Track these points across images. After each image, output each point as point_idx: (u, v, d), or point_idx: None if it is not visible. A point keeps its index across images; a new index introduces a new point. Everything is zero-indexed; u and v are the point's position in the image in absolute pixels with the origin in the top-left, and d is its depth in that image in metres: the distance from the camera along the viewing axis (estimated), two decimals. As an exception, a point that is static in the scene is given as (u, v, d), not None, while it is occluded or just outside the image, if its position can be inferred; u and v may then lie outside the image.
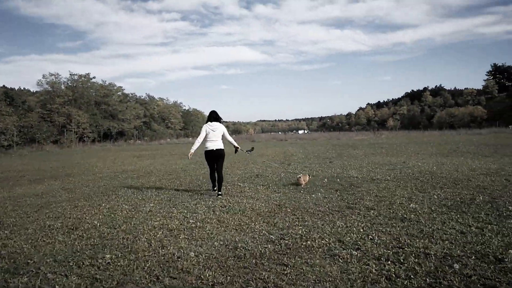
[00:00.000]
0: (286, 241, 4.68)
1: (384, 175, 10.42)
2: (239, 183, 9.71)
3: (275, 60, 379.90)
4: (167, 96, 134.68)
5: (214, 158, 8.07)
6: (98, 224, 5.74)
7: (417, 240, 4.59)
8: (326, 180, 9.86)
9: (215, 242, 4.72)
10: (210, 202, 7.30)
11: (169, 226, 5.55)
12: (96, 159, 22.99)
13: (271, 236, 4.89)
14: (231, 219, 5.92)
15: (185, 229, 5.36)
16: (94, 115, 55.89)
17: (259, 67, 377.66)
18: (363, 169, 12.18)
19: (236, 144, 8.66)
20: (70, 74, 56.32)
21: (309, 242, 4.62)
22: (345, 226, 5.37)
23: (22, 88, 63.51)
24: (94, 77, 59.92)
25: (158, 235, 5.07)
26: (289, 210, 6.45)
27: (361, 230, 5.13)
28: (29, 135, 42.31)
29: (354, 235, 4.91)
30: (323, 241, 4.66)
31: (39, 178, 13.02)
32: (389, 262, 3.94)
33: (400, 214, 5.96)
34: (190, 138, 66.05)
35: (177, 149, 32.80)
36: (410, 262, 3.90)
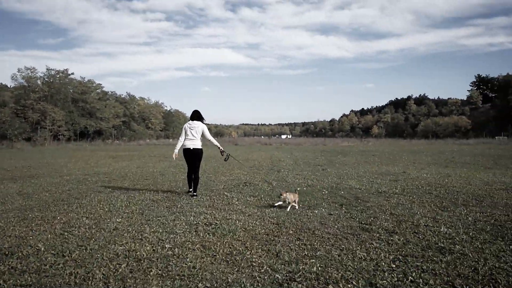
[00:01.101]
0: (299, 284, 3.36)
1: (390, 187, 9.23)
2: (225, 193, 8.36)
3: (259, 63, 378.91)
4: (148, 96, 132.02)
5: (192, 156, 8.02)
6: (42, 249, 4.29)
7: (479, 287, 3.33)
8: (325, 191, 8.60)
9: (199, 284, 3.36)
10: (192, 217, 5.92)
11: (138, 253, 4.15)
12: (68, 159, 21.26)
13: (277, 276, 3.55)
14: (219, 243, 4.56)
15: (159, 259, 3.98)
16: (70, 112, 53.50)
17: (243, 70, 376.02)
18: (363, 179, 10.99)
19: (217, 143, 8.45)
20: (47, 69, 53.75)
21: (331, 287, 3.31)
22: (369, 258, 4.09)
23: (-2, 83, 60.57)
24: (72, 73, 57.58)
25: (120, 269, 3.67)
26: (291, 232, 5.14)
27: (393, 266, 3.86)
28: (0, 131, 39.90)
29: (387, 274, 3.62)
30: (349, 286, 3.35)
31: (-4, 179, 11.40)
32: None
33: (433, 241, 4.72)
34: (171, 140, 64.25)
35: (156, 151, 31.17)
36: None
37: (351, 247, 4.51)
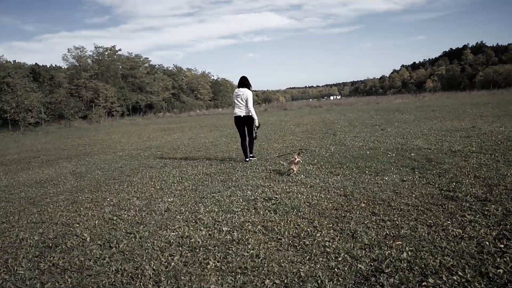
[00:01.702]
0: (390, 278, 2.72)
1: (464, 145, 8.21)
2: (280, 161, 7.76)
3: (303, 25, 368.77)
4: (195, 67, 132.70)
5: (242, 124, 7.97)
6: (88, 239, 3.93)
7: None
8: (391, 154, 7.75)
9: (266, 279, 2.81)
10: (249, 192, 5.38)
11: (192, 240, 3.67)
12: (122, 134, 21.58)
13: (360, 266, 2.92)
14: (282, 223, 4.00)
15: (216, 247, 3.48)
16: (121, 88, 54.76)
17: (287, 33, 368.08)
18: (429, 137, 9.95)
19: (254, 115, 7.89)
20: (95, 47, 54.97)
21: (432, 280, 2.65)
22: (467, 237, 3.35)
23: (54, 66, 62.89)
24: (120, 50, 58.50)
25: (173, 263, 3.20)
26: (363, 205, 4.47)
27: (501, 246, 3.11)
28: (57, 111, 41.58)
29: (499, 259, 2.89)
30: (455, 278, 2.67)
31: (53, 159, 11.54)
32: None
33: (545, 212, 3.87)
34: (220, 109, 64.31)
35: (206, 121, 31.11)
36: None
37: (439, 221, 3.79)
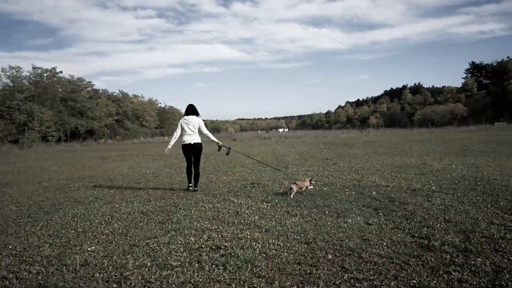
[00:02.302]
0: None
1: (422, 183, 7.84)
2: (231, 198, 6.90)
3: (254, 58, 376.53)
4: (142, 94, 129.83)
5: (191, 151, 7.85)
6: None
7: None
8: (349, 191, 7.17)
9: None
10: (192, 238, 4.45)
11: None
12: (54, 161, 19.71)
13: None
14: (234, 285, 3.13)
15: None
16: (59, 112, 51.64)
17: (237, 65, 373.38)
18: (385, 173, 9.59)
19: (214, 139, 8.18)
20: (33, 68, 51.80)
21: None
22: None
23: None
24: (61, 72, 55.63)
25: None
26: (330, 257, 3.72)
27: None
28: (-17, 134, 38.08)
29: None
30: None
31: (-37, 189, 9.88)
32: None
33: (538, 268, 3.32)
34: (166, 137, 62.50)
35: (150, 149, 29.63)
36: None
37: (423, 280, 3.11)
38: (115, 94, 75.73)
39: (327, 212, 5.53)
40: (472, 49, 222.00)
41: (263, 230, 4.69)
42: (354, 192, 7.05)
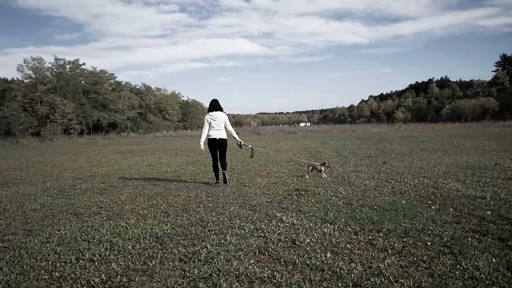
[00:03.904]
0: None
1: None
2: (276, 213, 5.11)
3: (274, 52, 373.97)
4: (165, 87, 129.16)
5: (217, 147, 7.85)
6: None
7: None
8: (433, 205, 5.29)
9: None
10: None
11: None
12: (71, 155, 18.39)
13: None
14: None
15: None
16: (82, 104, 50.79)
17: (258, 59, 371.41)
18: (459, 177, 7.67)
19: (236, 137, 8.18)
20: (55, 59, 51.01)
21: None
22: None
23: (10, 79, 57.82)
24: (83, 64, 54.86)
25: None
26: None
27: None
28: (3, 127, 37.14)
29: None
30: None
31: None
32: None
33: None
34: (189, 131, 61.27)
35: (173, 143, 28.18)
36: None
37: None
38: (138, 87, 74.90)
39: (429, 244, 3.69)
40: (500, 42, 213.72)
41: (349, 284, 2.89)
42: (440, 206, 5.17)
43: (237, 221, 4.72)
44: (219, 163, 7.90)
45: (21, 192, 7.73)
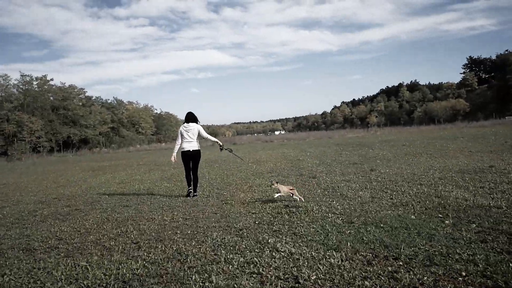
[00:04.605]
0: None
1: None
2: (268, 238, 4.34)
3: (246, 62, 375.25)
4: (137, 100, 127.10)
5: (190, 158, 7.93)
6: None
7: None
8: (445, 218, 4.64)
9: None
10: None
11: None
12: (36, 176, 17.14)
13: None
14: None
15: None
16: (51, 121, 48.85)
17: (230, 70, 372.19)
18: (459, 183, 7.11)
19: (215, 139, 8.45)
20: (21, 75, 48.92)
21: None
22: None
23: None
24: (51, 79, 52.89)
25: None
26: None
27: None
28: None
29: None
30: None
31: None
32: None
33: None
34: (163, 144, 59.88)
35: (146, 157, 27.09)
36: None
37: None
38: (109, 101, 73.05)
39: (464, 274, 2.99)
40: (464, 45, 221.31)
41: None
42: (455, 221, 4.52)
43: (223, 252, 3.92)
44: (191, 174, 8.01)
45: (-31, 223, 6.69)
